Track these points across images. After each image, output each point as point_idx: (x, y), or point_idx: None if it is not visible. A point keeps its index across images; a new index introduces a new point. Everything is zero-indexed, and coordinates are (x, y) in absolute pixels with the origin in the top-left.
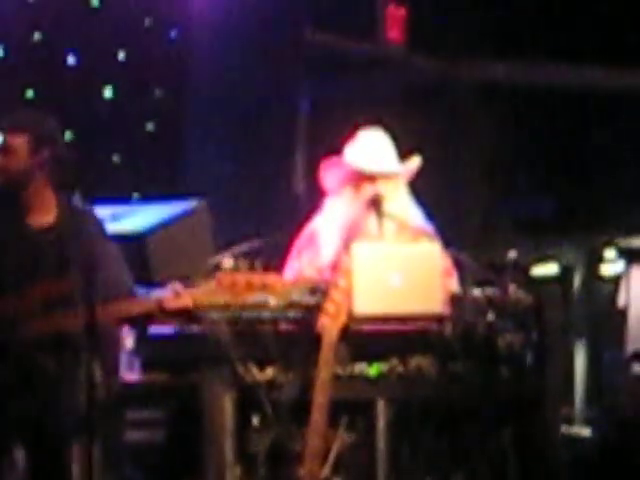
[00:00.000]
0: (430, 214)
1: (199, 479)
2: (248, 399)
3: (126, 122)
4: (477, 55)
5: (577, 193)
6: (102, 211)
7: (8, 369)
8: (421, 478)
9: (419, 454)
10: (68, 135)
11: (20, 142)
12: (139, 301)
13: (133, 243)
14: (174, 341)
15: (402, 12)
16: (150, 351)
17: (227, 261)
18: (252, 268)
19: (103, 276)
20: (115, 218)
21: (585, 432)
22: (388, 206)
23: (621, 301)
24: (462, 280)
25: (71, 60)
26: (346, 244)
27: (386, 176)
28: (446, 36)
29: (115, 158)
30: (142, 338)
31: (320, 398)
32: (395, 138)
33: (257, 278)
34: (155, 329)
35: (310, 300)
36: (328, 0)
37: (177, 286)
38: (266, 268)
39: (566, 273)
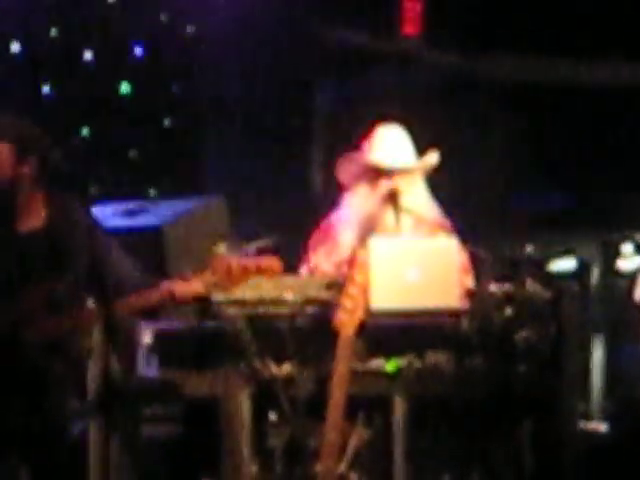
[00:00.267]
0: (446, 208)
1: (216, 474)
2: (265, 395)
3: (143, 118)
4: (493, 50)
5: (594, 188)
6: (119, 206)
7: (10, 372)
8: (438, 474)
9: (436, 450)
10: (85, 131)
11: (4, 152)
12: (151, 292)
13: (150, 237)
14: (191, 337)
15: (418, 6)
16: (167, 347)
17: (220, 246)
18: (246, 252)
19: (110, 270)
20: (132, 213)
21: (602, 427)
22: (405, 201)
23: (638, 296)
24: (479, 275)
25: (88, 56)
26: (363, 239)
27: (403, 171)
28: (463, 31)
29: (132, 154)
30: (159, 334)
31: (337, 394)
32: (412, 133)
33: (252, 261)
34: (172, 324)
35: (327, 295)
36: None
37: (186, 274)
38: (284, 264)
39: (583, 268)
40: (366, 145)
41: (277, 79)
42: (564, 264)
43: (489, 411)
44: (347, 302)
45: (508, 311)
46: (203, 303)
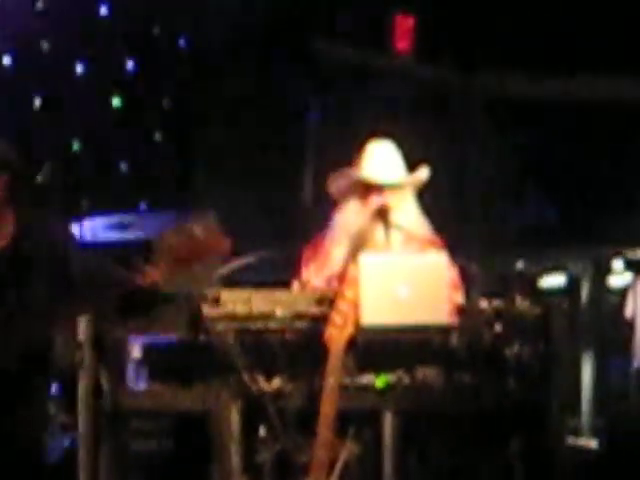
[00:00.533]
0: (437, 224)
1: None
2: (255, 409)
3: (134, 131)
4: (484, 66)
5: (585, 205)
6: (110, 219)
7: None
8: None
9: (426, 465)
10: (76, 145)
11: None
12: (115, 289)
13: (140, 250)
14: (181, 351)
15: (410, 22)
16: (156, 361)
17: (167, 234)
18: (193, 236)
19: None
20: (122, 227)
21: (592, 443)
22: (395, 217)
23: (628, 312)
24: (469, 291)
25: (79, 69)
26: (353, 254)
27: (394, 187)
28: (454, 47)
29: (123, 167)
30: (148, 348)
31: (327, 409)
32: (403, 148)
33: (199, 244)
34: (162, 338)
35: (317, 311)
36: (336, 11)
37: (140, 265)
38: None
39: (574, 284)
40: (357, 160)
41: (268, 93)
42: (554, 280)
43: (478, 427)
44: (337, 317)
45: (498, 327)
46: (194, 318)
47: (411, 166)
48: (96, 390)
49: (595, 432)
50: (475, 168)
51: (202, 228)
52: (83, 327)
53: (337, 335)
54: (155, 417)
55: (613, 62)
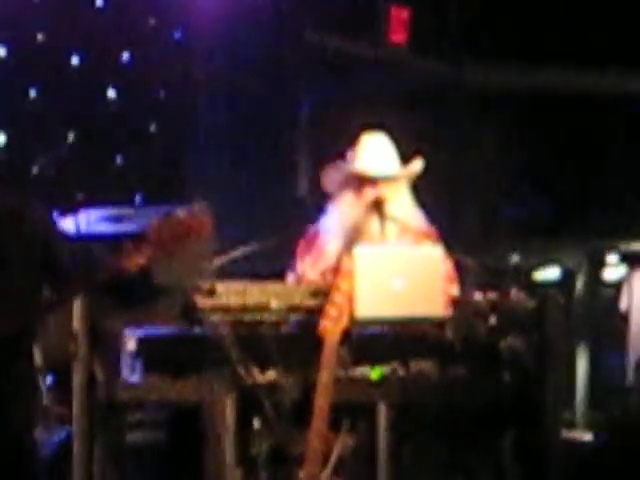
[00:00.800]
0: (431, 217)
1: None
2: (249, 401)
3: (129, 123)
4: (479, 58)
5: (579, 198)
6: (104, 212)
7: None
8: None
9: (420, 458)
10: (71, 136)
11: None
12: (97, 270)
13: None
14: (175, 342)
15: (405, 14)
16: (151, 353)
17: (151, 219)
18: (176, 218)
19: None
20: (117, 219)
21: (587, 437)
22: (390, 209)
23: (623, 305)
24: (464, 283)
25: (75, 60)
26: (348, 247)
27: (388, 179)
28: (449, 39)
29: (118, 159)
30: (143, 340)
31: (321, 401)
32: (397, 140)
33: (182, 226)
34: (156, 330)
35: (312, 303)
36: (331, 2)
37: (126, 247)
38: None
39: (568, 277)
40: (351, 153)
41: (262, 85)
42: (549, 273)
43: (473, 419)
44: (332, 310)
45: (492, 320)
46: (188, 310)
47: (405, 159)
48: (90, 382)
49: (590, 425)
50: (470, 161)
51: (185, 211)
52: (77, 318)
53: (332, 327)
54: (150, 409)
55: (616, 56)
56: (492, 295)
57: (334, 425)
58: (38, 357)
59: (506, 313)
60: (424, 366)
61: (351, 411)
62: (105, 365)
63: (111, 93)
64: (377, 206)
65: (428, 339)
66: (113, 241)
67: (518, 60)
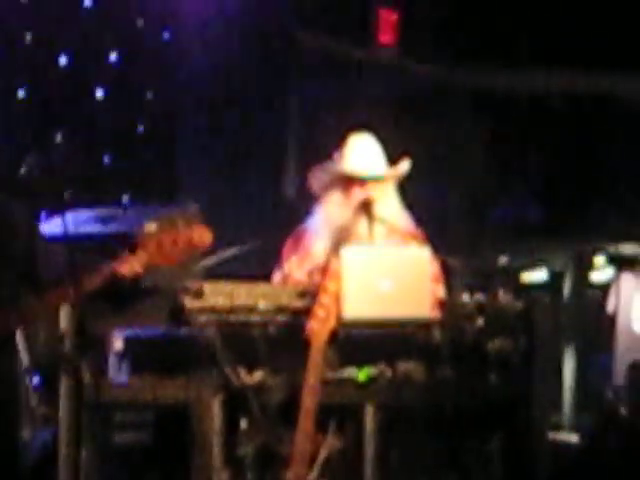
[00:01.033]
0: (419, 218)
1: None
2: (236, 402)
3: (117, 123)
4: (468, 61)
5: (567, 200)
6: (92, 212)
7: None
8: None
9: (407, 459)
10: (59, 136)
11: None
12: (92, 276)
13: (123, 244)
14: (163, 343)
15: (395, 16)
16: (138, 353)
17: (150, 225)
18: (176, 227)
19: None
20: (105, 220)
21: (573, 438)
22: (378, 210)
23: (610, 307)
24: (451, 285)
25: (63, 61)
26: (336, 247)
27: (376, 180)
28: (438, 41)
29: (105, 159)
30: (130, 340)
31: (308, 402)
32: (385, 142)
33: (182, 236)
34: (144, 331)
35: (299, 304)
36: (321, 3)
37: (122, 255)
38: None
39: (556, 279)
40: (338, 154)
41: (251, 85)
42: (537, 275)
43: (460, 421)
44: (319, 311)
45: (480, 321)
46: (176, 310)
47: (393, 160)
48: (78, 383)
49: (576, 427)
50: (458, 163)
51: (185, 219)
52: (64, 319)
53: (319, 328)
54: (137, 410)
55: (601, 57)
56: (480, 297)
57: (321, 426)
58: (25, 358)
59: (494, 315)
60: (411, 368)
61: (338, 412)
62: (92, 366)
63: (99, 93)
64: (365, 207)
65: (415, 341)
66: (101, 241)
67: (505, 62)
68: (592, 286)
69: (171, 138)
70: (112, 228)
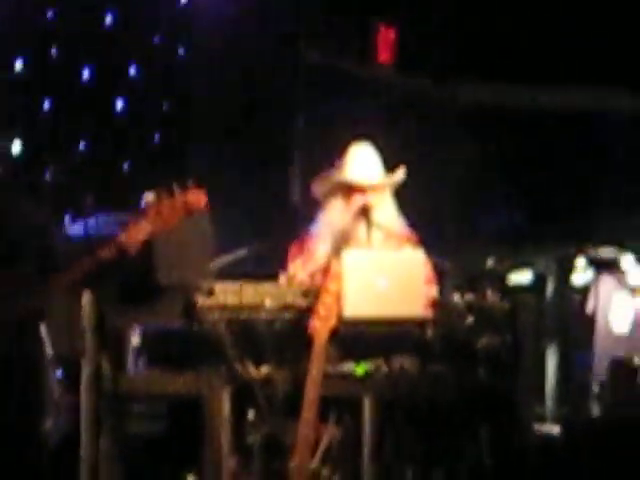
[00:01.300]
0: (413, 223)
1: (198, 469)
2: (244, 394)
3: (136, 133)
4: (463, 78)
5: (549, 207)
6: (111, 217)
7: None
8: (402, 470)
9: (401, 448)
10: (82, 145)
11: None
12: (101, 251)
13: (140, 247)
14: (177, 339)
15: (392, 34)
16: (154, 348)
17: (148, 195)
18: (172, 194)
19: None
20: (124, 224)
21: (555, 429)
22: (376, 215)
23: (590, 307)
24: (443, 286)
25: (86, 75)
26: (337, 251)
27: (374, 187)
28: (432, 57)
29: (125, 167)
30: (147, 335)
31: (311, 394)
32: (382, 153)
33: (179, 201)
34: (160, 327)
35: (303, 302)
36: (321, 21)
37: (127, 222)
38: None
39: (539, 281)
40: (339, 163)
41: (259, 98)
42: (522, 277)
43: (451, 413)
44: (322, 309)
45: (469, 320)
46: (189, 308)
47: (390, 169)
48: (98, 375)
49: (558, 419)
50: (450, 173)
51: (181, 189)
52: (86, 315)
53: (321, 326)
54: (152, 401)
55: (586, 72)
56: (469, 297)
57: (322, 417)
58: (49, 350)
59: (482, 314)
60: (406, 363)
61: (338, 404)
62: (111, 359)
63: (119, 105)
64: (364, 213)
65: (410, 338)
66: None
67: (499, 79)
68: (573, 288)
69: (184, 149)
70: None
